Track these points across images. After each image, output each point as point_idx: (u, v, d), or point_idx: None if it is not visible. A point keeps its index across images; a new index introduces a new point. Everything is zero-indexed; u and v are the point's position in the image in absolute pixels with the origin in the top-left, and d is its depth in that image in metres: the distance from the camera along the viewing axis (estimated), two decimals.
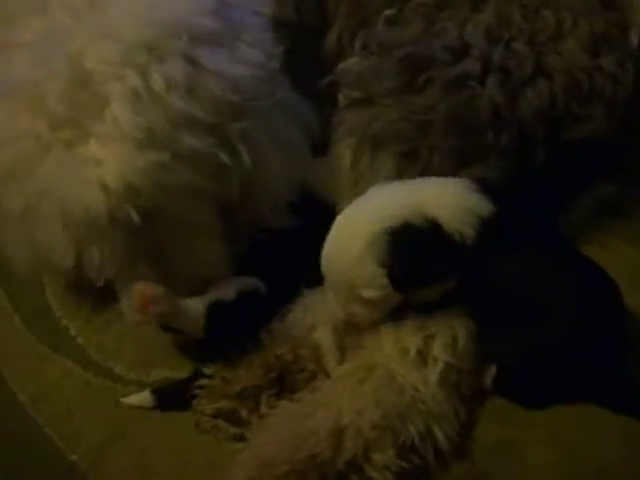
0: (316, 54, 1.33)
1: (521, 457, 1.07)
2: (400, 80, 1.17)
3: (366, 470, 1.02)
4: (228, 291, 1.15)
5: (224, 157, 1.08)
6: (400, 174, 1.15)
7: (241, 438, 1.09)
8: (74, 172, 1.02)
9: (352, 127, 1.19)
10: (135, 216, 1.03)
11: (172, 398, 1.15)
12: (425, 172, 1.15)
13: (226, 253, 1.18)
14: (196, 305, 1.13)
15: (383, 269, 1.03)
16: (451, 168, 1.15)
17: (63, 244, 1.07)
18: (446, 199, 1.06)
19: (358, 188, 1.19)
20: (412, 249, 1.03)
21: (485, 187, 1.08)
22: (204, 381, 1.13)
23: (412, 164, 1.15)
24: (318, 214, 1.20)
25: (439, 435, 1.05)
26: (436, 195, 1.06)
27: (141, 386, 1.19)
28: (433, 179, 1.11)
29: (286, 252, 1.20)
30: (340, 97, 1.21)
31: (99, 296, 1.23)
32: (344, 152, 1.22)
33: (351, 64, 1.23)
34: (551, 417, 1.10)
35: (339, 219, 1.08)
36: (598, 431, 1.08)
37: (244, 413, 1.09)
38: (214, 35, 1.08)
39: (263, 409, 1.09)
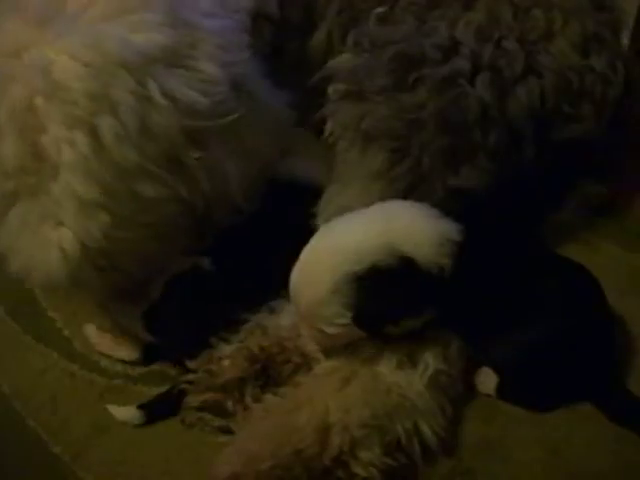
0: (301, 50, 1.33)
1: (506, 455, 1.07)
2: (391, 78, 1.16)
3: (352, 466, 1.02)
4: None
5: (183, 191, 1.07)
6: (391, 169, 1.15)
7: (227, 430, 1.09)
8: (35, 231, 1.01)
9: (344, 120, 1.19)
10: (94, 275, 1.04)
11: (159, 410, 1.14)
12: (415, 169, 1.15)
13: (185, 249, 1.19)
14: None
15: (348, 312, 1.02)
16: (440, 167, 1.15)
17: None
18: (419, 234, 1.03)
19: (345, 180, 1.19)
20: (378, 293, 1.01)
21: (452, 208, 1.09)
22: (190, 376, 1.12)
23: (402, 160, 1.15)
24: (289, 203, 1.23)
25: (426, 431, 1.05)
26: (408, 231, 1.04)
27: (127, 379, 1.19)
28: (399, 208, 1.08)
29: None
30: (330, 90, 1.21)
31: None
32: (335, 144, 1.22)
33: (343, 60, 1.23)
34: (536, 416, 1.10)
35: (307, 251, 1.06)
36: (583, 430, 1.08)
37: (229, 405, 1.09)
38: (166, 53, 1.03)
39: (247, 400, 1.09)
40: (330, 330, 1.04)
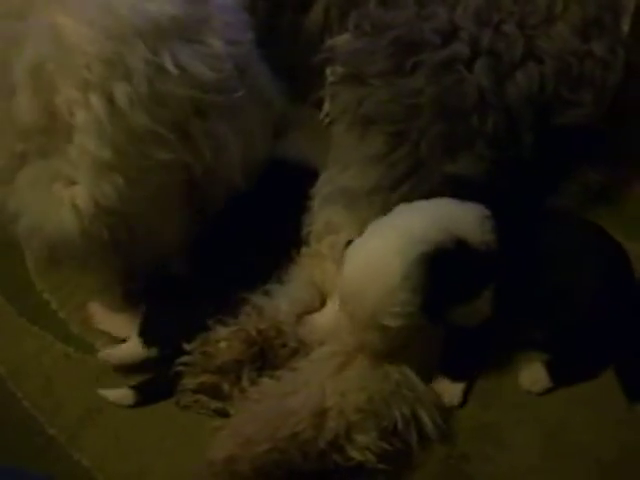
0: (295, 26, 1.33)
1: (500, 439, 1.08)
2: (390, 63, 1.16)
3: (347, 450, 1.02)
4: None
5: (188, 158, 1.09)
6: (389, 153, 1.15)
7: (223, 413, 1.09)
8: (47, 190, 1.03)
9: (342, 103, 1.19)
10: (106, 233, 1.05)
11: (153, 392, 1.14)
12: (413, 154, 1.15)
13: (188, 231, 1.20)
14: None
15: (418, 297, 1.00)
16: (438, 152, 1.14)
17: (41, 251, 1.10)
18: (465, 216, 1.05)
19: (343, 163, 1.18)
20: (444, 275, 1.00)
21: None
22: (185, 358, 1.12)
23: (400, 145, 1.14)
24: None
25: (425, 419, 1.05)
26: (455, 214, 1.05)
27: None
28: (436, 200, 1.09)
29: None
30: (329, 71, 1.21)
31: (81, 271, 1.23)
32: (332, 126, 1.21)
33: (343, 42, 1.22)
34: (532, 400, 1.11)
35: (361, 251, 1.05)
36: (580, 414, 1.09)
37: (226, 387, 1.09)
38: (178, 24, 1.05)
39: (244, 383, 1.09)
40: (395, 323, 1.01)
